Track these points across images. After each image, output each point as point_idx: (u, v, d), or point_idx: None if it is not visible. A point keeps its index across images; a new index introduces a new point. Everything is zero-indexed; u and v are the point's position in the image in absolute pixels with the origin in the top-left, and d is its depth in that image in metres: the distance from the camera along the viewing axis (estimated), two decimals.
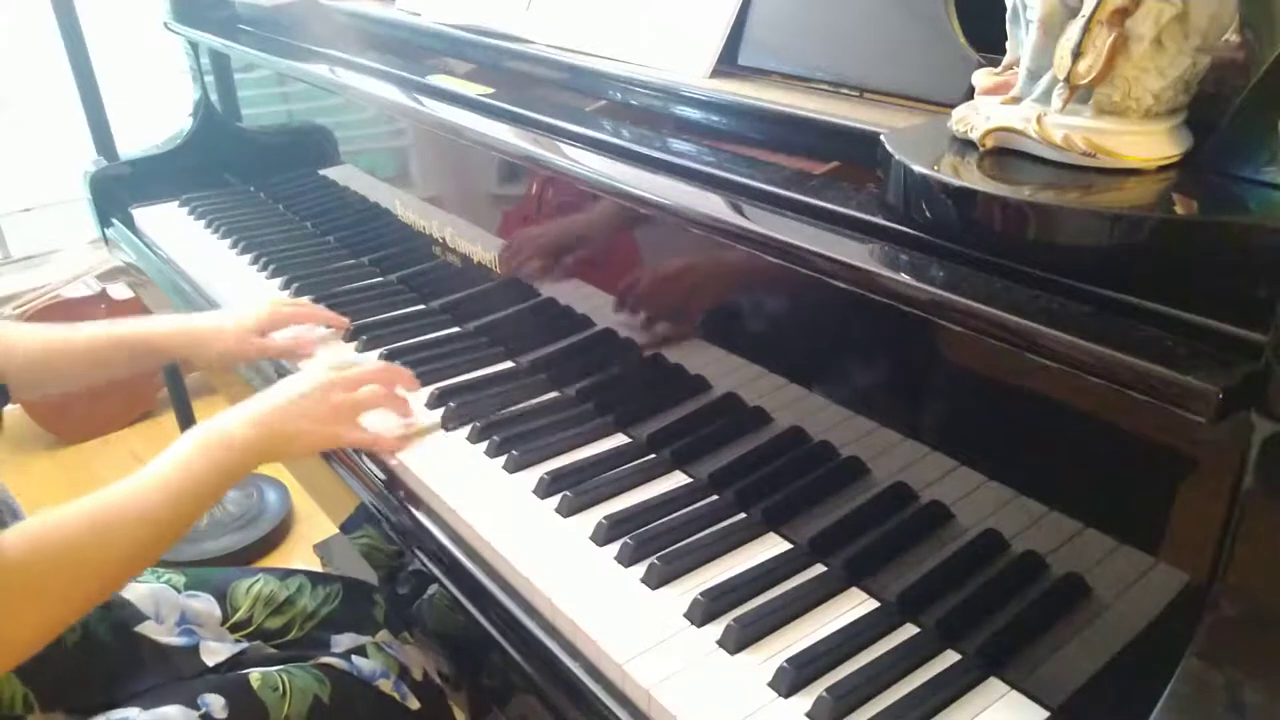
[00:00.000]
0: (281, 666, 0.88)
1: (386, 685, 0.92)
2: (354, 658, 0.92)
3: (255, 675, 0.85)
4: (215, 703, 0.81)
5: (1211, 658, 0.51)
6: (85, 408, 2.35)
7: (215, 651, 0.89)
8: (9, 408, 0.93)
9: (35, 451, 2.35)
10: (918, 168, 0.61)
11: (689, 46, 0.93)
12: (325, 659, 0.91)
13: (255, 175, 1.68)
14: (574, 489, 0.85)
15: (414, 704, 0.93)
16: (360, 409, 0.92)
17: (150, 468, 0.78)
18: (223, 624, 0.95)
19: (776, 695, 0.66)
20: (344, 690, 0.88)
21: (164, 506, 0.76)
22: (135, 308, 2.30)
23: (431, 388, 1.02)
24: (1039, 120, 0.58)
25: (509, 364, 1.09)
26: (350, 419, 0.91)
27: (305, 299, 1.25)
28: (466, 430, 0.96)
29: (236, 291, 1.32)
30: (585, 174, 0.87)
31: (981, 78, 0.66)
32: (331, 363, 1.03)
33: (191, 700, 0.81)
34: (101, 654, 0.83)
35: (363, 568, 1.11)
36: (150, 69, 2.30)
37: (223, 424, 0.83)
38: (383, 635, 0.98)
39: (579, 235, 0.97)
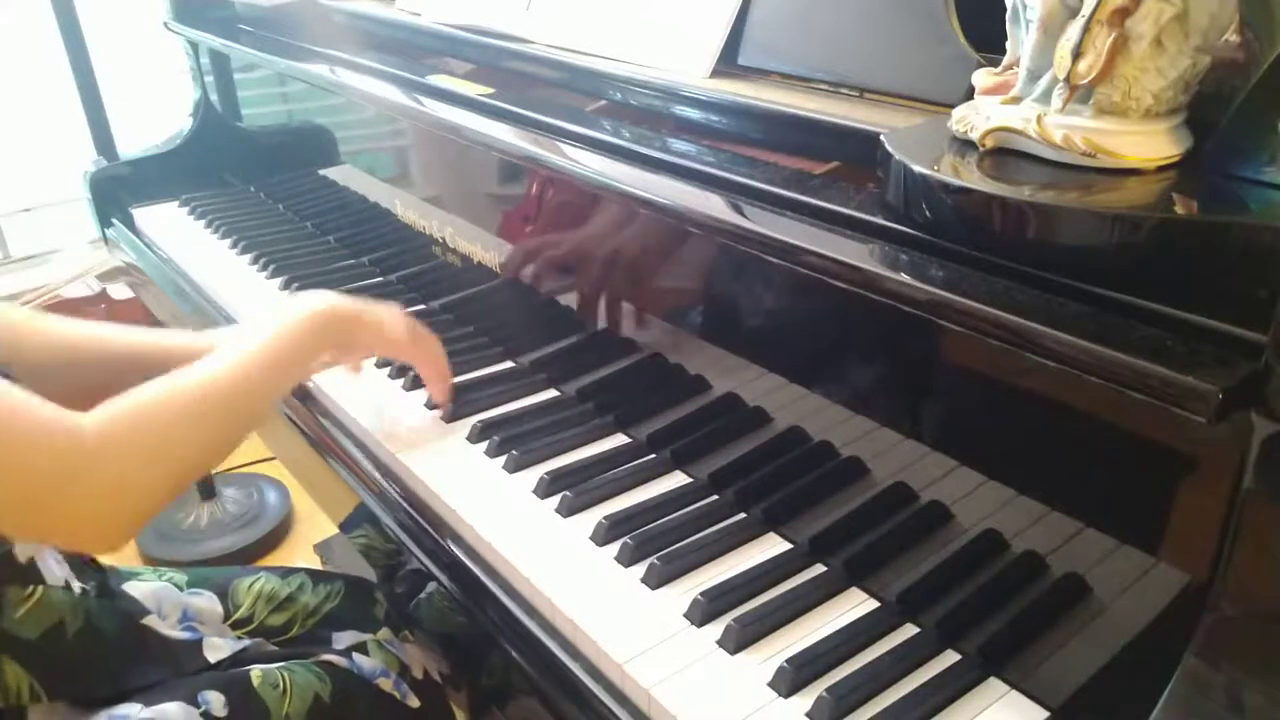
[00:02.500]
0: (282, 664, 0.88)
1: (387, 684, 0.92)
2: (355, 655, 0.92)
3: (256, 672, 0.85)
4: (216, 700, 0.81)
5: (1211, 658, 0.51)
6: (85, 408, 2.35)
7: (218, 648, 0.89)
8: None
9: None
10: (918, 168, 0.61)
11: (689, 46, 0.93)
12: (326, 656, 0.91)
13: (255, 175, 1.68)
14: (574, 489, 0.85)
15: (414, 702, 0.93)
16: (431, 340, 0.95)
17: (231, 346, 0.79)
18: (224, 621, 0.95)
19: (776, 695, 0.66)
20: (344, 688, 0.88)
21: (247, 384, 0.77)
22: (135, 308, 2.30)
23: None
24: (1039, 120, 0.58)
25: (509, 364, 1.09)
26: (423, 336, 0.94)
27: None
28: (466, 430, 0.96)
29: (237, 292, 1.32)
30: (585, 174, 0.87)
31: (981, 78, 0.66)
32: None
33: (192, 698, 0.81)
34: (106, 645, 0.83)
35: (363, 567, 1.11)
36: (150, 69, 2.30)
37: (302, 300, 0.86)
38: (384, 633, 0.98)
39: (578, 237, 0.97)
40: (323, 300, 0.87)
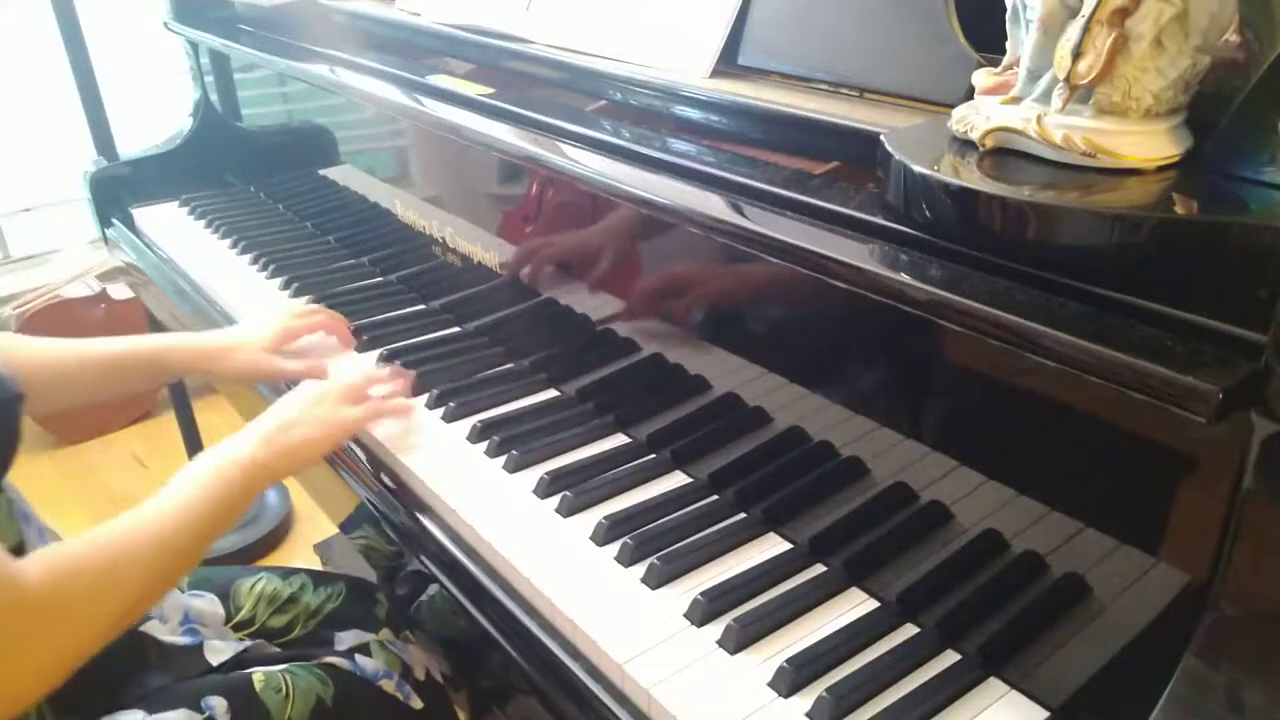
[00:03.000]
0: (284, 666, 0.88)
1: (389, 685, 0.92)
2: (358, 657, 0.92)
3: (259, 676, 0.85)
4: (219, 706, 0.81)
5: (1211, 658, 0.51)
6: (85, 408, 2.35)
7: (219, 650, 0.89)
8: None
9: (35, 451, 2.35)
10: (918, 168, 0.61)
11: (689, 46, 0.93)
12: (329, 658, 0.91)
13: (255, 175, 1.68)
14: (574, 489, 0.85)
15: (417, 704, 0.93)
16: (352, 396, 0.94)
17: (164, 494, 0.78)
18: (226, 623, 0.95)
19: (776, 695, 0.66)
20: (347, 691, 0.88)
21: (182, 532, 0.76)
22: (135, 308, 2.31)
23: (432, 388, 1.02)
24: (1039, 120, 0.58)
25: (509, 364, 1.09)
26: (351, 400, 0.93)
27: (305, 299, 1.25)
28: (466, 430, 0.96)
29: (237, 292, 1.32)
30: (585, 174, 0.87)
31: (981, 78, 0.66)
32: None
33: (195, 703, 0.81)
34: (108, 656, 0.82)
35: (363, 568, 1.11)
36: (150, 69, 2.30)
37: (233, 446, 0.84)
38: (385, 634, 0.98)
39: (578, 237, 0.97)
40: (256, 447, 0.84)
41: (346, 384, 0.95)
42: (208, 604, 0.94)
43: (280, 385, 1.09)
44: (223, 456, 0.83)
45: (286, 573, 1.01)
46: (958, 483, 0.67)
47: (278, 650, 0.94)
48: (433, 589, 0.88)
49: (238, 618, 0.95)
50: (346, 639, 0.96)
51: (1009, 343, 0.56)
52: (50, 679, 0.68)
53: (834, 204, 0.69)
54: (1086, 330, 0.52)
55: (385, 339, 1.15)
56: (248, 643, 0.92)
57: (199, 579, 0.97)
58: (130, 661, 0.85)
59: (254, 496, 0.84)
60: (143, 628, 0.87)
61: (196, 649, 0.88)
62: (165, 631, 0.89)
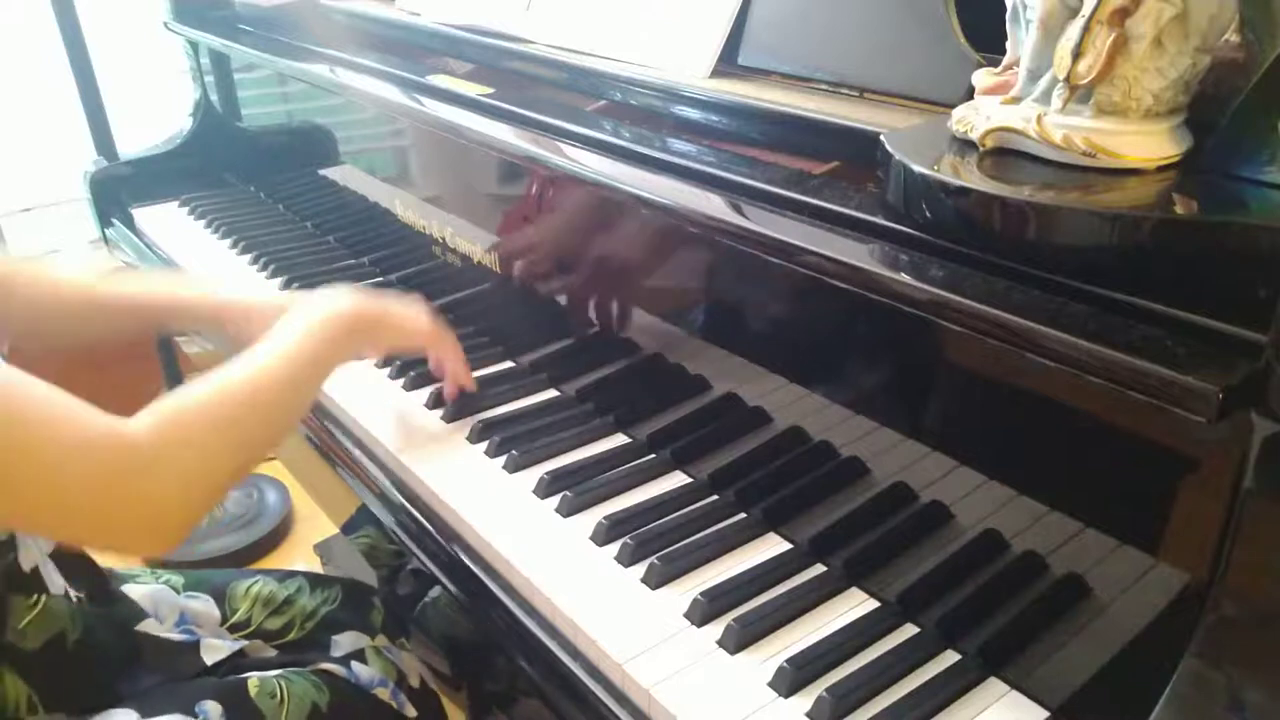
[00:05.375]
0: (280, 672, 0.87)
1: (384, 694, 0.92)
2: (353, 664, 0.92)
3: (253, 681, 0.85)
4: (213, 710, 0.81)
5: (1211, 658, 0.51)
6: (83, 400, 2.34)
7: (216, 650, 0.89)
8: None
9: None
10: (918, 168, 0.61)
11: (689, 46, 0.93)
12: (324, 665, 0.91)
13: (255, 175, 1.68)
14: (574, 489, 0.85)
15: (411, 712, 0.93)
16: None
17: (264, 345, 0.80)
18: (222, 624, 0.94)
19: (776, 695, 0.66)
20: (342, 698, 0.88)
21: (284, 379, 0.78)
22: None
23: (431, 388, 1.02)
24: (1039, 120, 0.58)
25: (509, 364, 1.09)
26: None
27: None
28: (466, 430, 0.96)
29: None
30: (585, 174, 0.87)
31: (981, 78, 0.66)
32: None
33: (189, 707, 0.80)
34: (103, 652, 0.83)
35: (363, 568, 1.11)
36: (150, 69, 2.30)
37: (329, 301, 0.87)
38: (381, 640, 0.98)
39: (578, 236, 0.97)
40: (350, 300, 0.88)
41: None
42: (204, 605, 0.94)
43: None
44: (319, 308, 0.86)
45: (283, 575, 1.01)
46: (958, 483, 0.67)
47: (274, 653, 0.94)
48: (436, 591, 0.88)
49: (233, 619, 0.95)
50: (343, 642, 0.95)
51: (1009, 343, 0.56)
52: (185, 517, 0.70)
53: (834, 204, 0.69)
54: (1086, 330, 0.52)
55: None
56: (244, 642, 0.92)
57: (195, 580, 0.97)
58: (126, 658, 0.85)
59: (348, 351, 0.88)
60: (140, 626, 0.87)
61: (193, 647, 0.89)
62: (162, 630, 0.89)
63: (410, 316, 0.94)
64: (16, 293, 0.94)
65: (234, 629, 0.95)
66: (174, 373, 2.01)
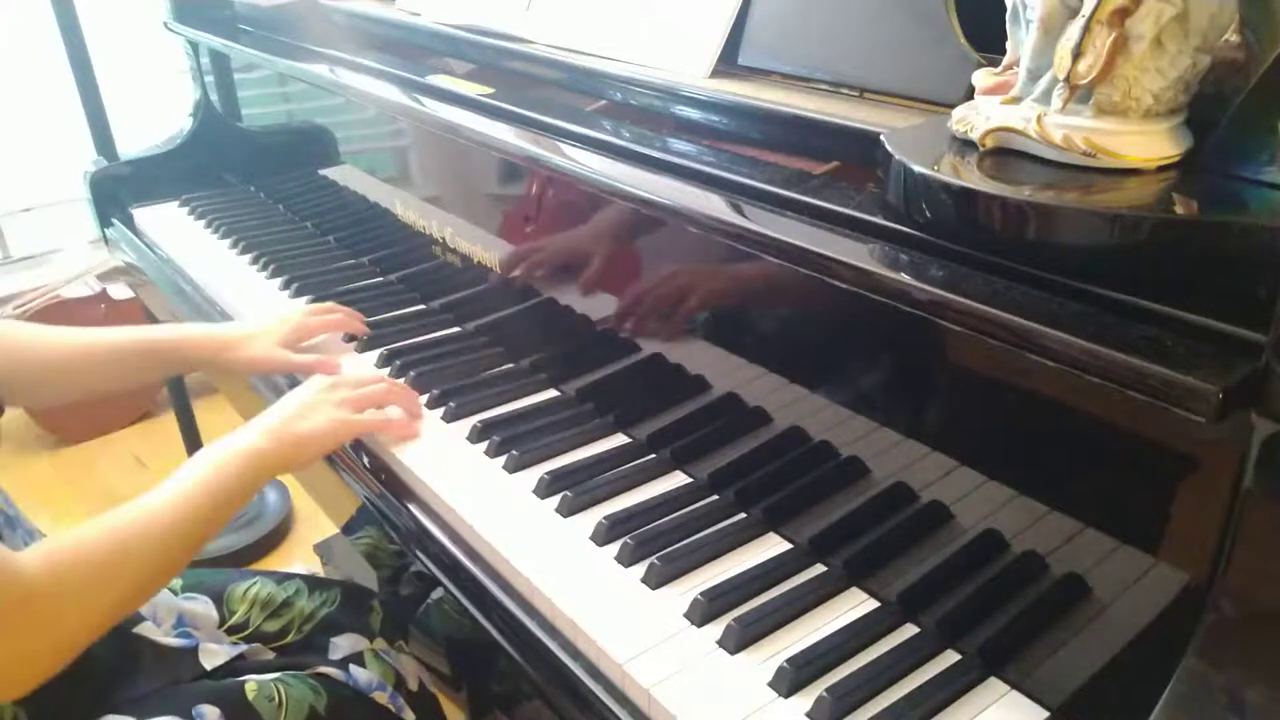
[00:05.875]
0: (277, 676, 0.87)
1: (382, 697, 0.91)
2: (351, 667, 0.92)
3: (251, 685, 0.84)
4: (210, 714, 0.80)
5: (1211, 658, 0.51)
6: (85, 408, 2.35)
7: (214, 654, 0.89)
8: (8, 409, 0.92)
9: (35, 451, 2.35)
10: (918, 168, 0.61)
11: (689, 46, 0.93)
12: (322, 668, 0.91)
13: (255, 175, 1.68)
14: (574, 489, 0.85)
15: (409, 716, 0.93)
16: (366, 402, 0.94)
17: (166, 485, 0.78)
18: (220, 626, 0.94)
19: (776, 695, 0.66)
20: (339, 702, 0.88)
21: (182, 524, 0.76)
22: (135, 308, 2.31)
23: (432, 388, 1.02)
24: (1039, 120, 0.58)
25: (509, 364, 1.09)
26: (357, 410, 0.93)
27: (305, 299, 1.25)
28: (466, 430, 0.96)
29: (237, 291, 1.32)
30: (585, 174, 0.87)
31: (981, 78, 0.66)
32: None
33: (186, 710, 0.80)
34: (98, 661, 0.82)
35: (363, 569, 1.11)
36: (150, 69, 2.30)
37: (236, 438, 0.84)
38: (379, 643, 0.98)
39: (578, 237, 0.97)
40: (258, 438, 0.85)
41: (357, 385, 0.95)
42: (202, 607, 0.94)
43: (282, 386, 1.09)
44: (225, 448, 0.83)
45: (281, 577, 1.01)
46: (958, 483, 0.67)
47: (272, 656, 0.94)
48: (438, 592, 0.87)
49: (231, 621, 0.95)
50: (341, 645, 0.95)
51: (1009, 343, 0.56)
52: (48, 667, 0.68)
53: (834, 204, 0.69)
54: (1086, 330, 0.52)
55: (385, 339, 1.15)
56: (243, 646, 0.92)
57: (193, 582, 0.97)
58: (124, 664, 0.84)
59: (256, 488, 0.85)
60: (137, 629, 0.87)
61: (191, 652, 0.88)
62: (159, 634, 0.88)
63: (318, 430, 0.88)
64: (7, 350, 0.96)
65: (232, 631, 0.94)
66: (175, 377, 2.00)
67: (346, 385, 0.94)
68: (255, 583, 0.98)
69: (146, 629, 0.87)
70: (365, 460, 0.96)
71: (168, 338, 1.08)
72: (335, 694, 0.88)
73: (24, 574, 0.66)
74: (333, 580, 1.04)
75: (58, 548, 0.69)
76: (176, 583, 0.95)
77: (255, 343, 1.07)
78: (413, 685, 0.96)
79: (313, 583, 1.01)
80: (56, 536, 0.71)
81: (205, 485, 0.79)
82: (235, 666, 0.89)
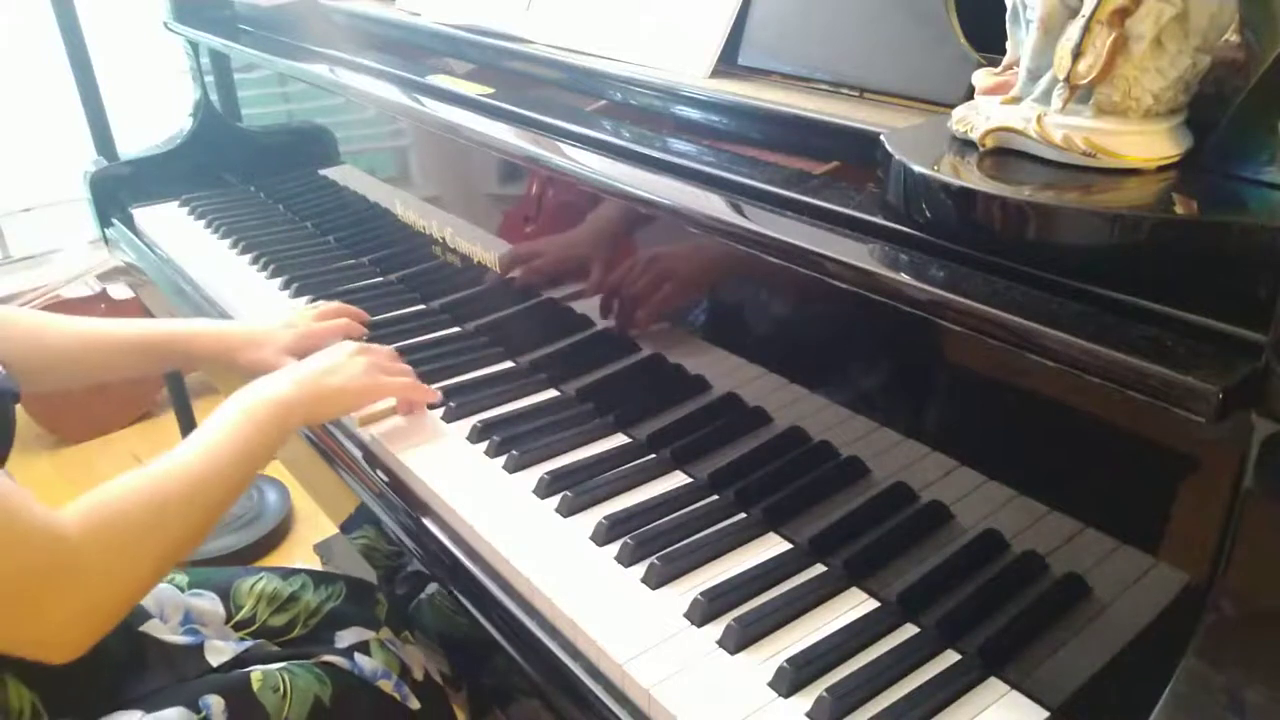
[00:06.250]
0: (282, 665, 0.87)
1: (388, 686, 0.92)
2: (356, 656, 0.92)
3: (256, 675, 0.85)
4: (216, 705, 0.81)
5: (1211, 658, 0.51)
6: (85, 408, 2.35)
7: (220, 651, 0.89)
8: None
9: (35, 451, 2.35)
10: (918, 168, 0.61)
11: (689, 46, 0.93)
12: (328, 657, 0.91)
13: (255, 175, 1.68)
14: (574, 489, 0.85)
15: (414, 704, 0.93)
16: (394, 371, 0.98)
17: (198, 436, 0.80)
18: (226, 622, 0.94)
19: (776, 695, 0.66)
20: (345, 691, 0.88)
21: (217, 475, 0.78)
22: (135, 308, 2.31)
23: (432, 388, 1.02)
24: (1039, 120, 0.58)
25: (509, 364, 1.09)
26: (383, 371, 0.96)
27: (305, 299, 1.25)
28: (466, 430, 0.96)
29: (237, 291, 1.32)
30: (585, 174, 0.87)
31: (981, 78, 0.66)
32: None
33: (193, 702, 0.80)
34: (107, 657, 0.82)
35: (363, 568, 1.11)
36: (150, 69, 2.30)
37: (265, 387, 0.86)
38: (385, 633, 0.98)
39: (578, 238, 0.97)
40: (286, 386, 0.87)
41: (387, 352, 0.99)
42: (208, 603, 0.94)
43: None
44: (255, 396, 0.85)
45: (287, 573, 1.01)
46: (958, 483, 0.67)
47: (278, 649, 0.94)
48: (432, 587, 0.87)
49: (238, 617, 0.95)
50: (347, 638, 0.96)
51: (1009, 343, 0.56)
52: (98, 625, 0.70)
53: (834, 204, 0.69)
54: (1086, 330, 0.52)
55: (385, 339, 1.15)
56: (249, 643, 0.92)
57: (199, 579, 0.97)
58: (130, 662, 0.85)
59: (284, 439, 0.86)
60: (143, 627, 0.87)
61: (197, 649, 0.88)
62: (166, 631, 0.88)
63: (348, 385, 0.92)
64: (16, 333, 0.96)
65: (239, 626, 0.95)
66: (174, 373, 2.01)
67: (375, 351, 0.98)
68: (261, 578, 0.99)
69: (153, 626, 0.88)
70: (365, 459, 0.96)
71: (174, 333, 1.08)
72: (340, 683, 0.88)
73: (69, 535, 0.66)
74: (337, 574, 1.04)
75: (96, 507, 0.70)
76: (183, 579, 0.95)
77: (261, 348, 1.07)
78: (418, 675, 0.96)
79: (318, 577, 1.01)
80: (93, 495, 0.71)
81: (238, 435, 0.80)
82: (241, 658, 0.90)
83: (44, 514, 0.66)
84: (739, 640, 0.69)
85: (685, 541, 0.79)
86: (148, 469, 0.75)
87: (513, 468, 0.90)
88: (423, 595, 0.97)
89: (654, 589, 0.75)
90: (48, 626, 0.67)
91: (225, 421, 0.81)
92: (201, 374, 2.19)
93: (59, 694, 0.77)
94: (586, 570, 0.78)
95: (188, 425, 2.01)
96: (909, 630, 0.71)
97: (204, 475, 0.77)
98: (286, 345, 1.07)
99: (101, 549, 0.68)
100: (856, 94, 0.82)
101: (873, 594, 0.74)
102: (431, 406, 1.00)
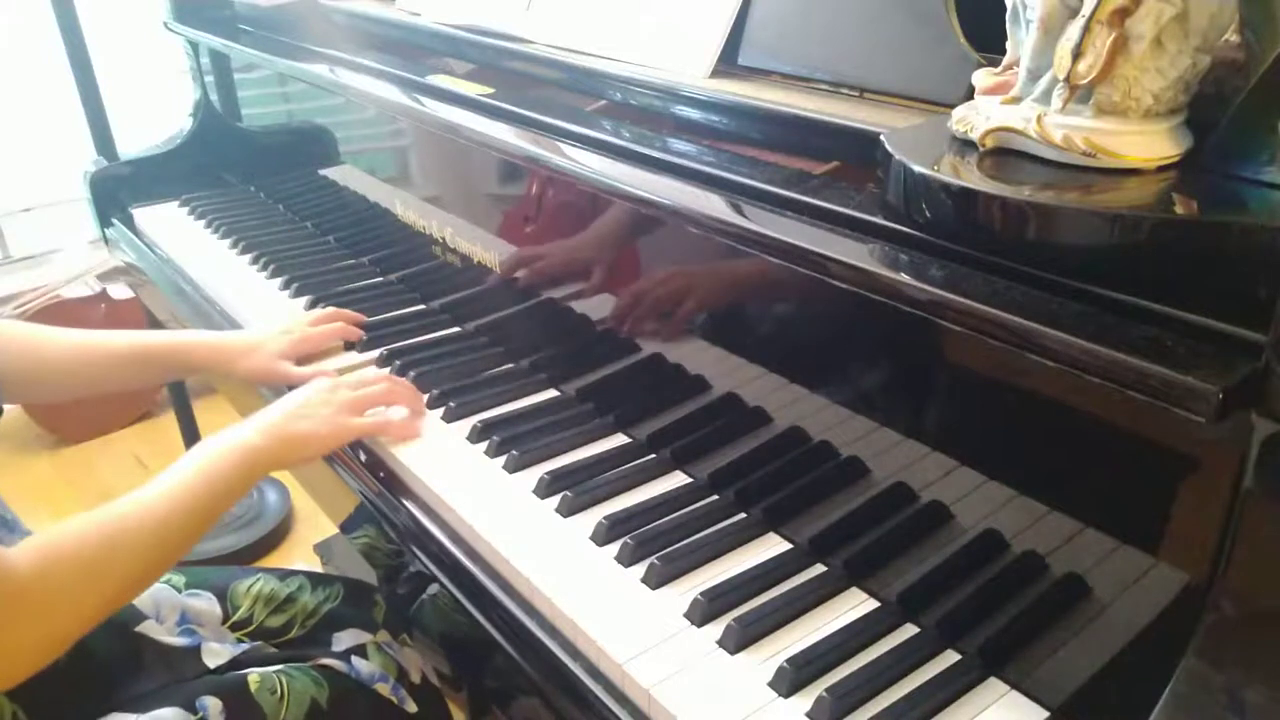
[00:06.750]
0: (280, 667, 0.87)
1: (385, 689, 0.92)
2: (354, 659, 0.92)
3: (254, 677, 0.85)
4: (213, 706, 0.81)
5: (1211, 658, 0.51)
6: (85, 408, 2.35)
7: (217, 653, 0.89)
8: (8, 408, 0.93)
9: (35, 451, 2.35)
10: (918, 168, 0.61)
11: (689, 46, 0.93)
12: (325, 660, 0.91)
13: (255, 175, 1.68)
14: (574, 489, 0.85)
15: (411, 707, 0.93)
16: (367, 404, 0.95)
17: (161, 479, 0.79)
18: (223, 623, 0.94)
19: (776, 695, 0.66)
20: (342, 693, 0.88)
21: (176, 517, 0.77)
22: (135, 308, 2.31)
23: (432, 388, 1.02)
24: (1039, 120, 0.58)
25: (509, 364, 1.09)
26: (357, 413, 0.93)
27: (305, 299, 1.25)
28: (466, 430, 0.96)
29: (237, 291, 1.32)
30: (585, 174, 0.87)
31: (981, 78, 0.66)
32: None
33: (189, 703, 0.80)
34: (99, 660, 0.82)
35: (363, 568, 1.11)
36: (150, 69, 2.30)
37: (233, 434, 0.85)
38: (382, 636, 0.98)
39: (578, 238, 0.97)
40: (254, 435, 0.85)
41: (358, 386, 0.95)
42: (205, 604, 0.94)
43: (283, 390, 1.09)
44: (221, 442, 0.83)
45: (284, 574, 1.01)
46: (958, 483, 0.67)
47: (275, 651, 0.94)
48: (433, 588, 0.87)
49: (235, 618, 0.95)
50: (344, 640, 0.96)
51: (1009, 343, 0.56)
52: (39, 660, 0.69)
53: (834, 204, 0.69)
54: (1086, 330, 0.52)
55: (385, 339, 1.15)
56: (245, 644, 0.92)
57: (197, 579, 0.97)
58: (126, 662, 0.85)
59: (250, 485, 0.85)
60: (139, 628, 0.87)
61: (194, 651, 0.88)
62: (162, 632, 0.88)
63: (317, 430, 0.89)
64: (11, 350, 0.96)
65: (235, 627, 0.95)
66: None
67: (347, 386, 0.95)
68: (258, 579, 0.99)
69: (149, 627, 0.88)
70: (364, 459, 0.96)
71: (171, 344, 1.08)
72: (337, 685, 0.88)
73: (15, 569, 0.66)
74: (335, 576, 1.04)
75: (49, 542, 0.70)
76: (180, 580, 0.95)
77: (255, 355, 1.07)
78: (415, 678, 0.96)
79: (315, 578, 1.01)
80: (48, 531, 0.71)
81: (200, 480, 0.79)
82: (238, 660, 0.89)
83: None
84: (739, 640, 0.69)
85: (685, 541, 0.79)
86: (108, 508, 0.74)
87: (513, 468, 0.90)
88: (424, 596, 0.97)
89: (654, 589, 0.75)
90: None
91: (189, 467, 0.80)
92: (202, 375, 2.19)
93: (44, 700, 0.76)
94: (586, 570, 0.78)
95: (188, 425, 2.01)
96: (909, 630, 0.71)
97: (162, 519, 0.76)
98: (281, 351, 1.07)
99: (45, 586, 0.68)
100: (856, 94, 0.82)
101: (873, 594, 0.74)
102: (431, 406, 1.00)
